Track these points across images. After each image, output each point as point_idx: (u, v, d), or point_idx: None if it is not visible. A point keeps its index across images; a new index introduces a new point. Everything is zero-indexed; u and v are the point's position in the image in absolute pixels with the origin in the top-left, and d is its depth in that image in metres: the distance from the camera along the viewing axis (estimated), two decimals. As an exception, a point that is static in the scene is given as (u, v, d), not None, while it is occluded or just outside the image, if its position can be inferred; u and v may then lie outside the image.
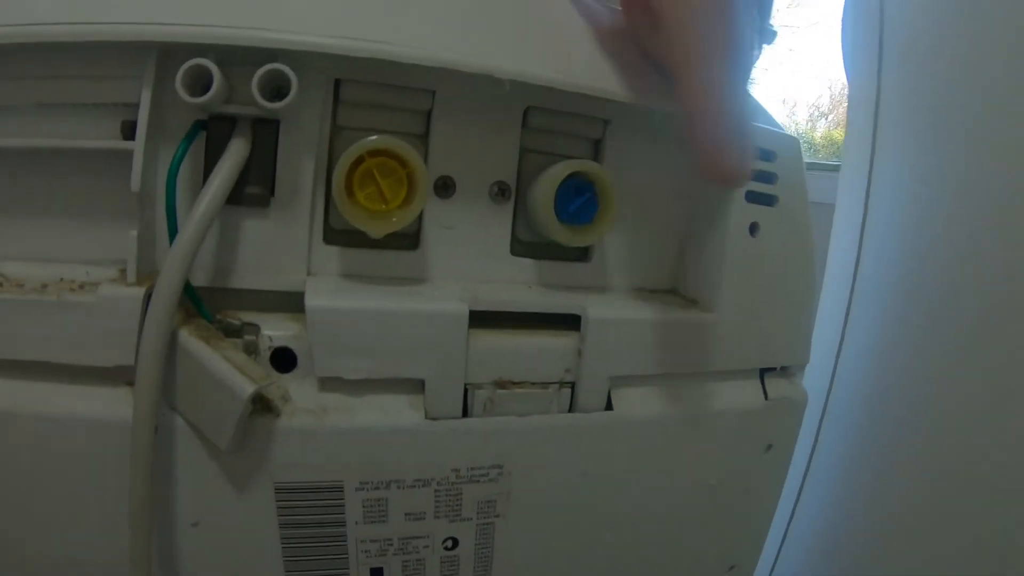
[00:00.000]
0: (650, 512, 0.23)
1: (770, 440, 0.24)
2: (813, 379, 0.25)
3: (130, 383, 0.19)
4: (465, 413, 0.19)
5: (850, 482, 0.30)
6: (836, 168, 0.34)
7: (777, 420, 0.24)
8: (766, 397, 0.23)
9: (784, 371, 0.24)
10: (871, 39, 0.30)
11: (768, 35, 0.20)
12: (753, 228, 0.22)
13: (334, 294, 0.19)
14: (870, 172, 0.30)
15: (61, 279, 0.20)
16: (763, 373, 0.24)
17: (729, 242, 0.22)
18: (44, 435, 0.19)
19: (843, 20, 0.33)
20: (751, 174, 0.19)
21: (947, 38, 0.27)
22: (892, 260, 0.29)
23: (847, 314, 0.31)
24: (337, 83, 0.20)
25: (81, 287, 0.19)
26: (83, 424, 0.18)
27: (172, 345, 0.18)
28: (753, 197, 0.22)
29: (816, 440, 0.32)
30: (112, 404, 0.19)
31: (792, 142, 0.23)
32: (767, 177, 0.22)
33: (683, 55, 0.18)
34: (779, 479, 0.25)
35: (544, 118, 0.21)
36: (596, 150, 0.22)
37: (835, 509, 0.31)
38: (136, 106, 0.19)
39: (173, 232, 0.18)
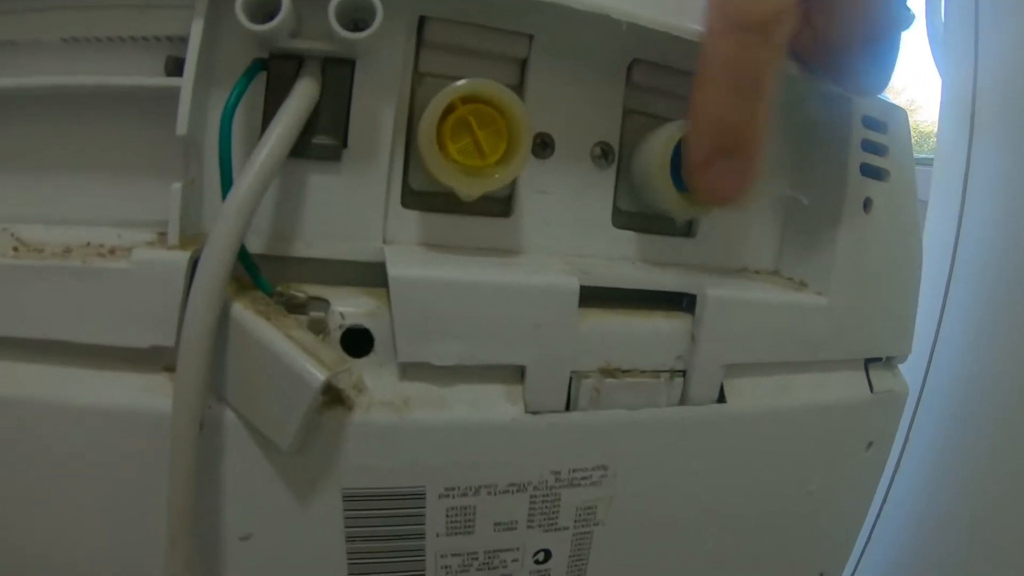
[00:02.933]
0: (752, 516, 0.18)
1: (872, 437, 0.20)
2: (905, 374, 0.21)
3: (169, 368, 0.14)
4: (568, 406, 0.15)
5: (941, 486, 0.26)
6: (921, 163, 0.31)
7: (880, 415, 0.20)
8: (871, 390, 0.19)
9: (888, 362, 0.20)
10: (966, 32, 0.26)
11: (907, 18, 0.16)
12: (867, 204, 0.18)
13: (421, 264, 0.14)
14: (967, 169, 0.26)
15: (88, 243, 0.15)
16: (867, 364, 0.20)
17: (843, 219, 0.18)
18: (66, 429, 0.13)
19: (928, 10, 0.29)
20: None
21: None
22: (990, 257, 0.25)
23: (942, 310, 0.27)
24: (421, 22, 0.15)
25: (112, 252, 0.14)
26: (112, 417, 0.13)
27: (223, 322, 0.14)
28: (867, 171, 0.18)
29: (907, 440, 0.28)
30: (148, 393, 0.14)
31: (901, 113, 0.19)
32: (879, 149, 0.18)
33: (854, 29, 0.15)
34: (875, 480, 0.21)
35: (650, 73, 0.16)
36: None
37: (924, 514, 0.26)
38: (183, 40, 0.14)
39: (227, 185, 0.14)
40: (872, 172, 0.18)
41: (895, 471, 0.28)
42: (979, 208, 0.26)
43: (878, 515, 0.29)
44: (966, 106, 0.27)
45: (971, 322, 0.27)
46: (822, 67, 0.16)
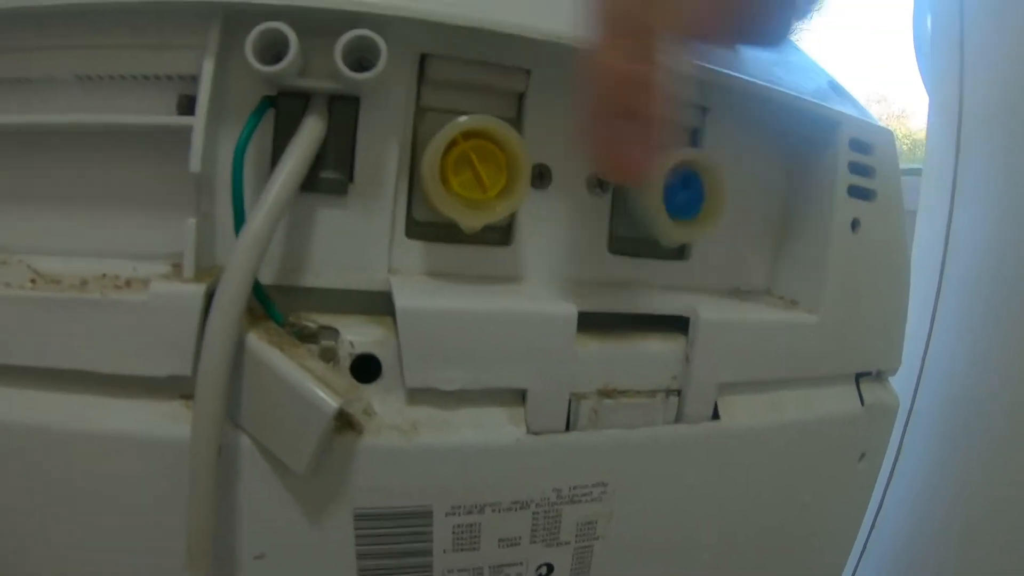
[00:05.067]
0: (748, 529, 0.19)
1: (864, 449, 0.21)
2: (896, 386, 0.23)
3: (185, 396, 0.15)
4: (568, 426, 0.16)
5: (935, 494, 0.27)
6: (908, 173, 0.32)
7: (871, 427, 0.21)
8: (862, 403, 0.21)
9: (878, 376, 0.22)
10: (951, 44, 0.27)
11: None
12: (855, 224, 0.19)
13: (426, 294, 0.15)
14: (954, 179, 0.27)
15: (103, 275, 0.16)
16: (858, 377, 0.21)
17: (832, 239, 0.19)
18: (86, 456, 0.15)
19: (915, 24, 0.31)
20: None
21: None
22: (979, 267, 0.26)
23: (932, 321, 0.28)
24: (422, 59, 0.16)
25: (128, 284, 0.15)
26: (131, 443, 0.15)
27: (238, 352, 0.15)
28: (854, 192, 0.19)
29: (899, 450, 0.29)
30: (166, 420, 0.15)
31: (887, 134, 0.20)
32: (866, 170, 0.20)
33: None
34: (869, 490, 0.22)
35: (643, 103, 0.18)
36: (693, 140, 0.19)
37: (919, 522, 0.28)
38: (194, 79, 0.15)
39: (240, 220, 0.15)
40: (859, 193, 0.20)
41: (889, 481, 0.30)
42: (967, 217, 0.28)
43: (873, 524, 0.30)
44: (953, 118, 0.28)
45: (961, 331, 0.28)
46: (724, 30, 0.15)
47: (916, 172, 0.32)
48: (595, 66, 0.13)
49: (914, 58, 0.31)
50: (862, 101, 0.22)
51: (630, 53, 0.13)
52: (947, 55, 0.28)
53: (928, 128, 0.30)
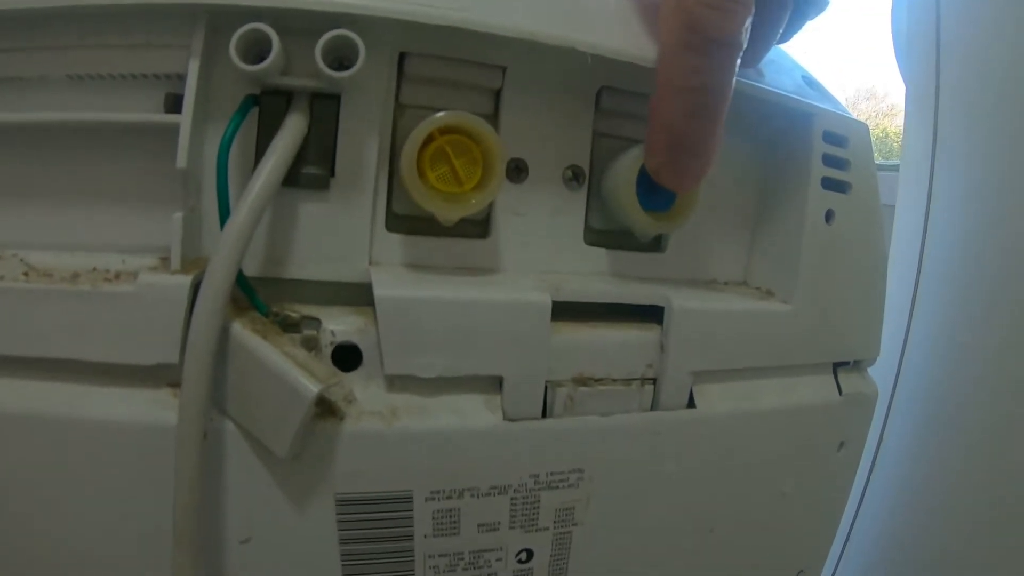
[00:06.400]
0: (728, 516, 0.20)
1: (843, 438, 0.22)
2: (876, 377, 0.23)
3: (172, 384, 0.16)
4: (544, 413, 0.17)
5: (917, 481, 0.28)
6: (892, 168, 0.33)
7: (850, 416, 0.22)
8: (840, 392, 0.21)
9: (856, 365, 0.22)
10: (927, 36, 0.28)
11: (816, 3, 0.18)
12: (829, 215, 0.20)
13: (405, 284, 0.16)
14: (931, 172, 0.28)
15: (94, 268, 0.17)
16: (836, 367, 0.22)
17: (806, 230, 0.20)
18: (76, 442, 0.15)
19: (893, 19, 0.32)
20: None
21: (1006, 34, 0.26)
22: (956, 260, 0.27)
23: (911, 313, 0.29)
24: (401, 57, 0.17)
25: (117, 276, 0.16)
26: (119, 429, 0.15)
27: (223, 340, 0.15)
28: (828, 184, 0.20)
29: (881, 439, 0.30)
30: (152, 407, 0.16)
31: (862, 128, 0.21)
32: (840, 163, 0.20)
33: None
34: (850, 478, 0.23)
35: (618, 99, 0.18)
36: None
37: (902, 508, 0.29)
38: (180, 78, 0.16)
39: (224, 214, 0.16)
40: (834, 185, 0.20)
41: (871, 469, 0.31)
42: (944, 210, 0.29)
43: (856, 511, 0.31)
44: (930, 110, 0.29)
45: (940, 326, 0.29)
46: None
47: (898, 168, 0.33)
48: (664, 122, 0.16)
49: (892, 48, 0.32)
50: (852, 97, 0.23)
51: (699, 114, 0.16)
52: (923, 46, 0.29)
53: (905, 120, 0.31)
